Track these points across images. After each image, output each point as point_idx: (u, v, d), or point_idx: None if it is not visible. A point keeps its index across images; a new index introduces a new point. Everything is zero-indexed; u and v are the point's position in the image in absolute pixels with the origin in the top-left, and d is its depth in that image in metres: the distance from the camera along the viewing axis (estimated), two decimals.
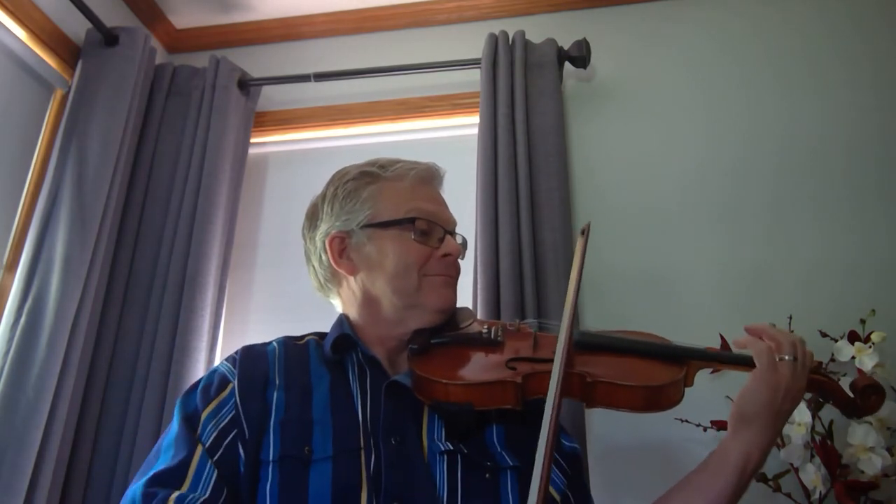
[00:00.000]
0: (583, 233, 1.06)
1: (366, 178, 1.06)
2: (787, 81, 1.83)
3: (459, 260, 1.08)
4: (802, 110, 1.79)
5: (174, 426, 0.89)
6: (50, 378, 1.46)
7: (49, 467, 1.44)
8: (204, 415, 0.88)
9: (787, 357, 0.87)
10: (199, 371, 1.64)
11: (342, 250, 1.04)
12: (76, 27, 1.85)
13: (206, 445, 0.85)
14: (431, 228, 1.02)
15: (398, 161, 1.08)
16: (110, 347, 1.67)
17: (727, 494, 0.87)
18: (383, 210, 1.02)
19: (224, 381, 0.92)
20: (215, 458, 0.84)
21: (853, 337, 1.35)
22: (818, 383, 0.94)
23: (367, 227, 1.01)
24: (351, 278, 1.04)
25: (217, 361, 1.67)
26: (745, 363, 0.92)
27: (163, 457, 0.85)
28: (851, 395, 0.94)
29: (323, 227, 1.06)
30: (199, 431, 0.86)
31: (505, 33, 1.86)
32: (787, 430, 1.32)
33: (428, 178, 1.08)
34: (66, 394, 1.51)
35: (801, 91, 1.81)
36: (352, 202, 1.04)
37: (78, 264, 1.57)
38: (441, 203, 1.08)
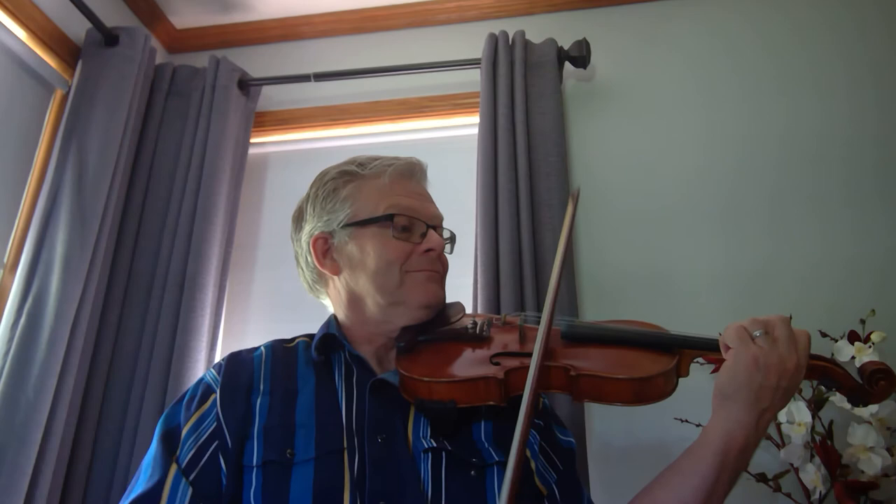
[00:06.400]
0: (572, 198, 1.03)
1: (345, 177, 1.05)
2: (786, 81, 1.83)
3: (448, 255, 1.07)
4: (802, 110, 1.79)
5: (153, 444, 0.89)
6: (50, 378, 1.46)
7: (49, 467, 1.44)
8: (185, 430, 0.88)
9: (756, 333, 0.85)
10: (198, 371, 1.64)
11: (325, 251, 1.03)
12: (76, 27, 1.85)
13: (183, 465, 0.85)
14: (412, 224, 1.01)
15: (377, 158, 1.06)
16: (110, 347, 1.67)
17: (711, 476, 0.83)
18: (362, 208, 1.01)
19: (207, 393, 0.93)
20: (192, 475, 0.84)
21: (853, 337, 1.35)
22: (823, 369, 0.90)
23: (348, 226, 1.01)
24: (336, 278, 1.04)
25: (217, 361, 1.67)
26: None
27: (141, 478, 0.86)
28: (859, 380, 0.89)
29: (307, 229, 1.06)
30: (177, 450, 0.87)
31: (505, 33, 1.86)
32: (787, 429, 1.32)
33: (407, 172, 1.06)
34: (66, 394, 1.51)
35: (800, 91, 1.81)
36: (332, 202, 1.03)
37: (78, 264, 1.57)
38: (423, 197, 1.06)
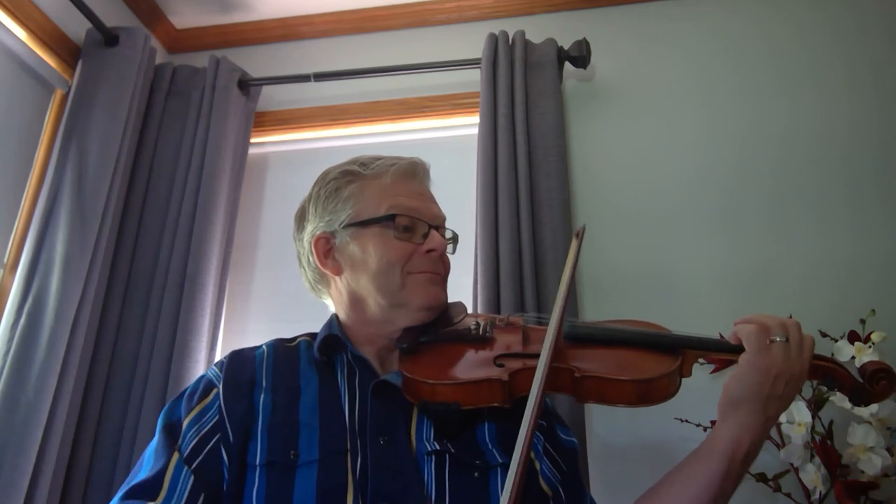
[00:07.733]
0: (577, 235, 1.04)
1: (347, 176, 1.04)
2: (786, 81, 1.83)
3: (451, 255, 1.07)
4: (802, 110, 1.79)
5: (155, 436, 0.89)
6: (50, 378, 1.46)
7: (49, 467, 1.44)
8: (186, 422, 0.88)
9: (777, 338, 0.84)
10: (198, 370, 1.64)
11: (327, 251, 1.03)
12: (76, 27, 1.85)
13: (185, 453, 0.85)
14: (414, 224, 1.00)
15: (379, 158, 1.06)
16: (110, 347, 1.67)
17: (716, 482, 0.83)
18: (364, 208, 1.01)
19: (209, 387, 0.92)
20: (194, 464, 0.84)
21: (853, 337, 1.35)
22: (824, 369, 0.90)
23: (350, 226, 1.00)
24: (337, 279, 1.03)
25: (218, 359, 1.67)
26: (740, 350, 0.88)
27: (143, 467, 0.86)
28: (860, 380, 0.90)
29: (309, 229, 1.05)
30: (179, 440, 0.86)
31: (505, 33, 1.86)
32: (787, 429, 1.32)
33: (410, 172, 1.05)
34: (66, 394, 1.51)
35: (800, 91, 1.81)
36: (334, 202, 1.03)
37: (78, 264, 1.57)
38: (425, 197, 1.06)
